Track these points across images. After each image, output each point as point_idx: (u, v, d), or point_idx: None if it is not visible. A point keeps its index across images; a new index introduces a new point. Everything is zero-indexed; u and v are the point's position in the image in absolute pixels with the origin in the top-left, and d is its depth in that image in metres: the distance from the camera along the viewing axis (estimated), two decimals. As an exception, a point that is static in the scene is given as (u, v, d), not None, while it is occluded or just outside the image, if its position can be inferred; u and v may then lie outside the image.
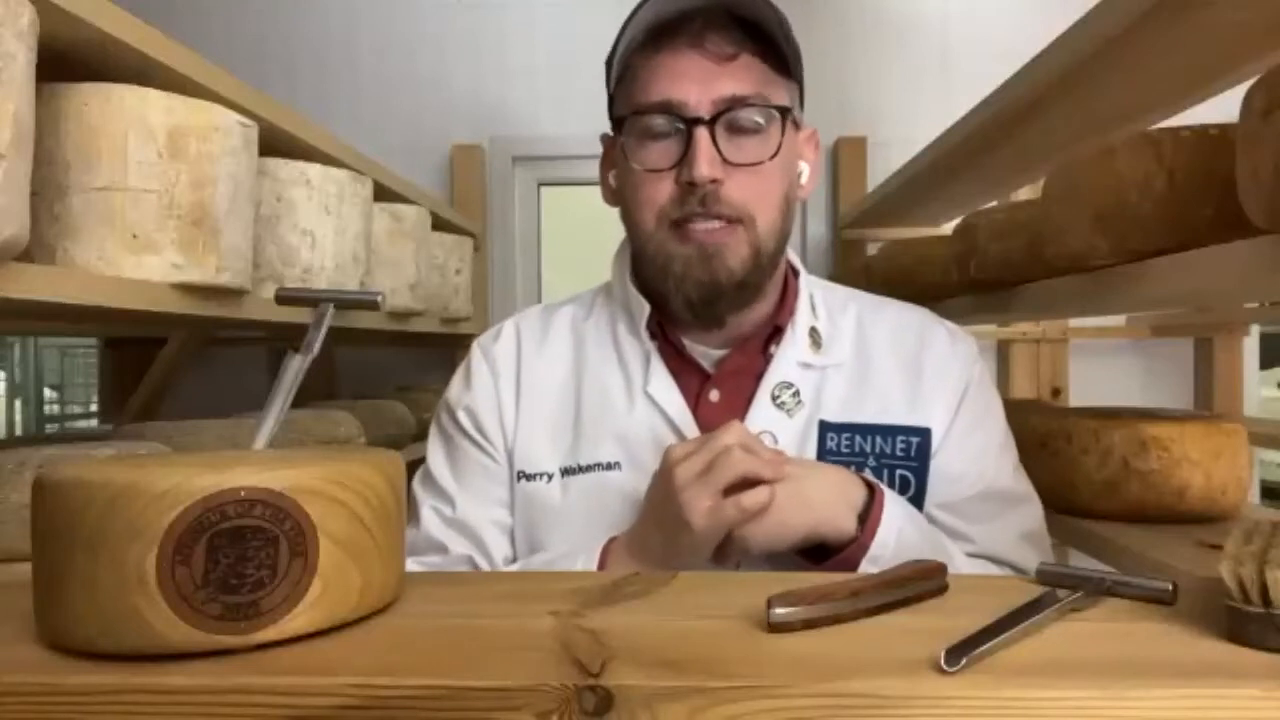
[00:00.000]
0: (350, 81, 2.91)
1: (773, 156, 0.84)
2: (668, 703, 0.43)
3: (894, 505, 0.80)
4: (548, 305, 1.01)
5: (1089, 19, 1.06)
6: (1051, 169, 1.12)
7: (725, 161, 0.82)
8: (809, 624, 0.52)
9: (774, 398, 0.88)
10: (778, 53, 0.85)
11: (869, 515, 0.79)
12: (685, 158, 0.82)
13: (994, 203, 2.11)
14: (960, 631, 0.47)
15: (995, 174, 1.86)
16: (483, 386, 0.94)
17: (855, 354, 0.92)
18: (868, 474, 0.85)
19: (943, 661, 0.44)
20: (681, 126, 0.82)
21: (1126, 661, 0.47)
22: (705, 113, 0.82)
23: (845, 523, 0.78)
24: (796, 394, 0.88)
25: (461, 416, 0.93)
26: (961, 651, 0.45)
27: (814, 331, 0.92)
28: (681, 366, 0.91)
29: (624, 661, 0.46)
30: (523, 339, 0.96)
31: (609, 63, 0.89)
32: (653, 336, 0.92)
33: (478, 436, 0.92)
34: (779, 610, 0.51)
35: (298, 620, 0.50)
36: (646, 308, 0.90)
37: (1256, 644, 0.48)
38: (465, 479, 0.92)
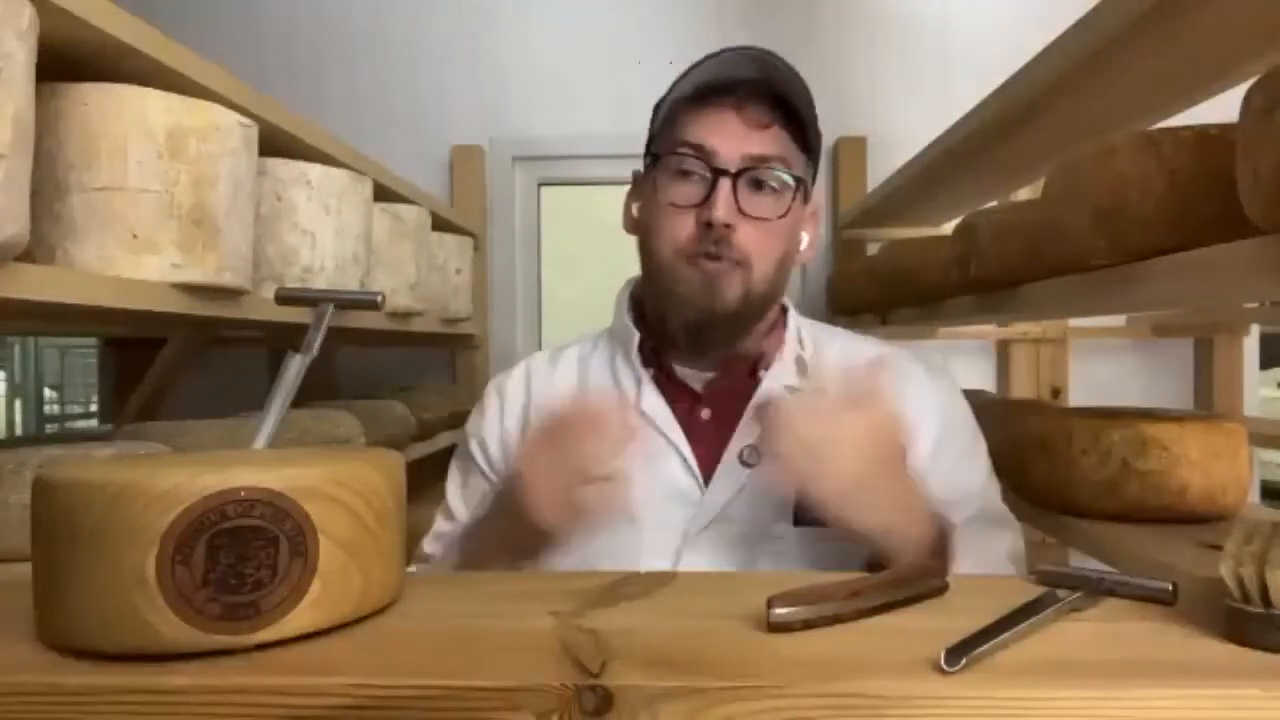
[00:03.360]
0: (350, 82, 2.91)
1: (781, 217, 0.93)
2: (668, 703, 0.43)
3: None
4: (556, 347, 1.10)
5: (1089, 19, 1.06)
6: (1051, 169, 1.12)
7: (740, 211, 0.90)
8: (809, 624, 0.52)
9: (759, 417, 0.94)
10: (803, 131, 0.95)
11: (943, 548, 0.81)
12: (708, 200, 0.90)
13: (994, 203, 2.11)
14: (960, 631, 0.48)
15: (995, 174, 1.86)
16: (492, 417, 1.04)
17: (839, 382, 0.96)
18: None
19: (943, 661, 0.44)
20: (708, 173, 0.91)
21: (1126, 661, 0.47)
22: (732, 165, 0.90)
23: (916, 546, 0.80)
24: None
25: (473, 446, 1.03)
26: (961, 651, 0.45)
27: (800, 360, 0.99)
28: (674, 391, 0.98)
29: (624, 661, 0.46)
30: (532, 374, 1.06)
31: (657, 108, 0.98)
32: (647, 364, 0.99)
33: (484, 465, 1.02)
34: (779, 610, 0.51)
35: (298, 620, 0.50)
36: (637, 336, 0.99)
37: (1256, 644, 0.48)
38: (471, 502, 1.02)
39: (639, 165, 1.03)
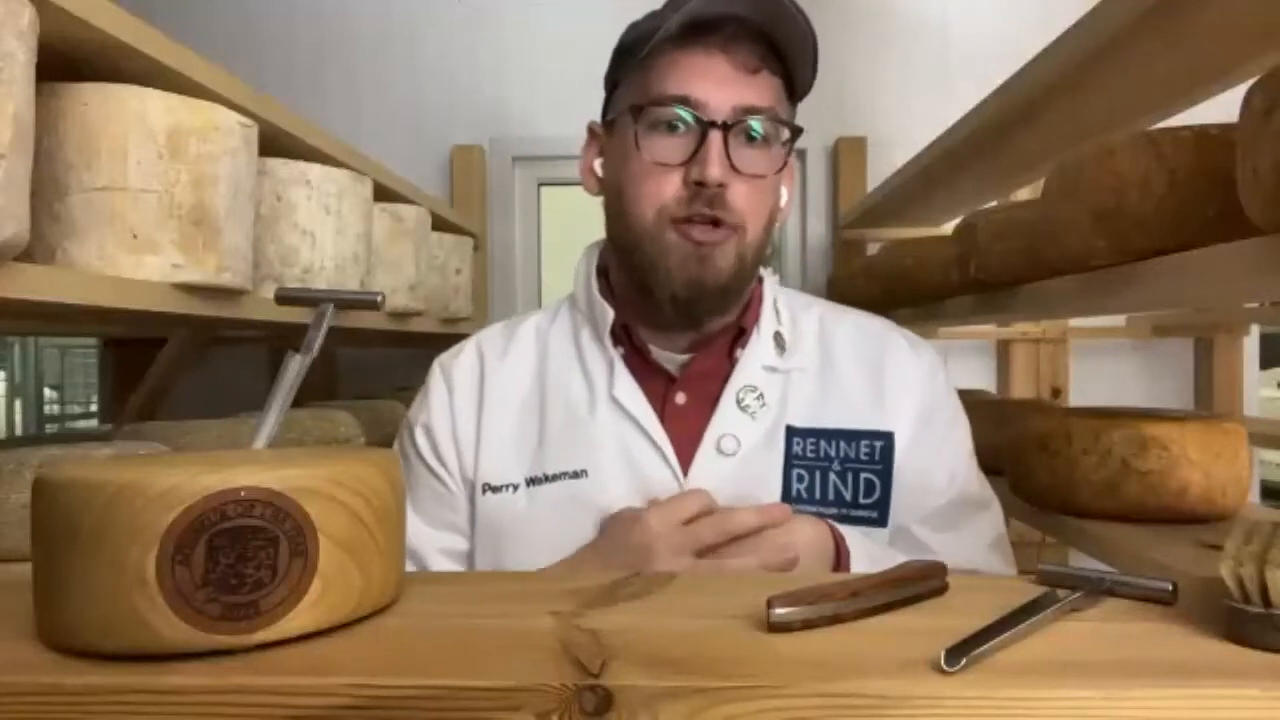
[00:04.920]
0: (350, 82, 2.91)
1: (776, 171, 0.86)
2: (668, 703, 0.43)
3: (859, 559, 0.81)
4: (511, 320, 1.01)
5: (1089, 19, 1.06)
6: (1051, 169, 1.12)
7: (733, 168, 0.83)
8: (809, 624, 0.52)
9: (739, 401, 0.88)
10: (791, 76, 0.87)
11: (838, 568, 0.80)
12: (696, 157, 0.82)
13: (994, 203, 2.11)
14: (960, 631, 0.47)
15: (995, 174, 1.86)
16: (439, 405, 0.93)
17: (819, 358, 0.93)
18: (833, 480, 0.86)
19: (943, 661, 0.44)
20: (697, 125, 0.82)
21: (1126, 661, 0.47)
22: (723, 117, 0.82)
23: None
24: (760, 397, 0.89)
25: (419, 436, 0.93)
26: (961, 651, 0.45)
27: (778, 335, 0.92)
28: (647, 372, 0.91)
29: (624, 661, 0.46)
30: (484, 354, 0.95)
31: (621, 50, 0.89)
32: (617, 343, 0.91)
33: (431, 460, 0.92)
34: (779, 610, 0.51)
35: (298, 620, 0.49)
36: (610, 314, 0.90)
37: (1256, 644, 0.48)
38: (417, 502, 0.92)
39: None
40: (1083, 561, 1.32)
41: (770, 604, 0.51)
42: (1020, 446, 1.27)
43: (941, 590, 0.60)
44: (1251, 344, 2.68)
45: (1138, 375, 2.78)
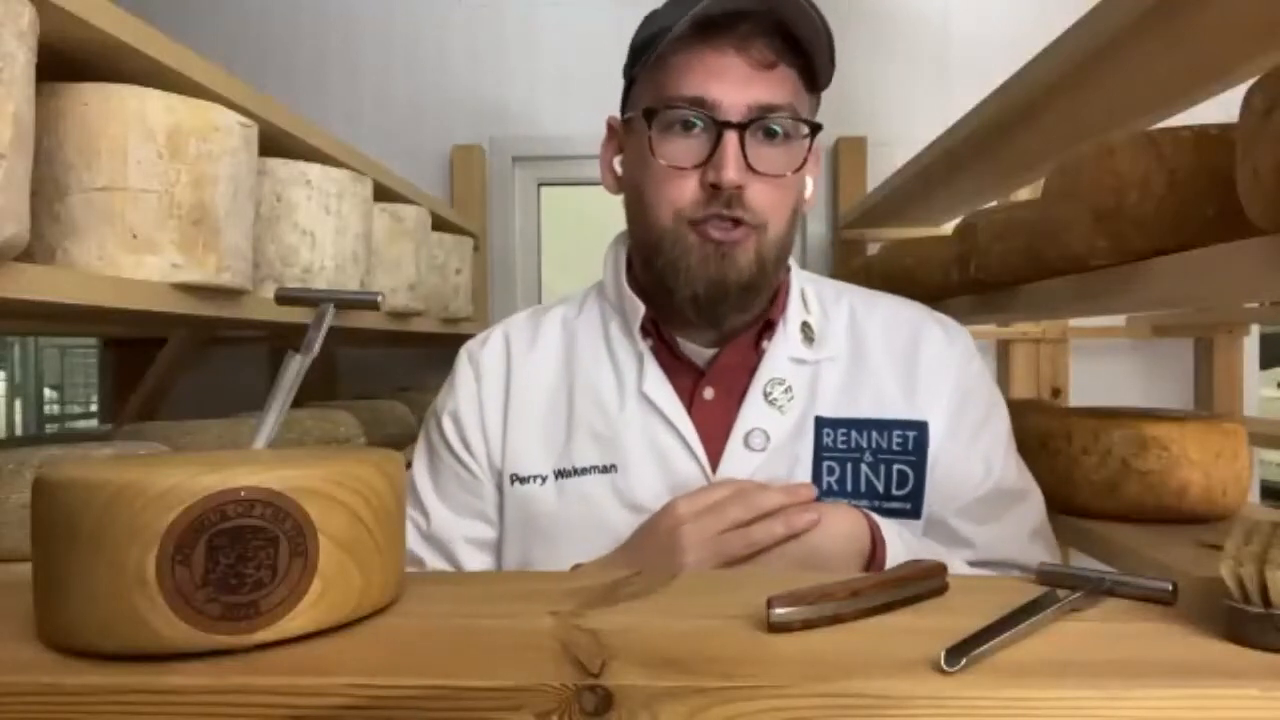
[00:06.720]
0: (350, 82, 2.91)
1: (796, 170, 0.85)
2: (668, 703, 0.43)
3: (893, 545, 0.79)
4: (537, 308, 1.00)
5: (1089, 19, 1.06)
6: (1051, 169, 1.12)
7: (750, 168, 0.82)
8: (809, 624, 0.52)
9: (766, 394, 0.88)
10: (810, 68, 0.85)
11: (872, 563, 0.78)
12: (712, 159, 0.82)
13: (994, 203, 2.11)
14: (960, 631, 0.47)
15: (995, 174, 1.86)
16: (466, 393, 0.93)
17: (850, 347, 0.92)
18: (864, 472, 0.85)
19: (943, 661, 0.44)
20: (712, 126, 0.82)
21: (1126, 661, 0.47)
22: (738, 116, 0.81)
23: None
24: (789, 389, 0.88)
25: (446, 423, 0.93)
26: (961, 651, 0.45)
27: (806, 326, 0.91)
28: (675, 365, 0.90)
29: (624, 661, 0.46)
30: (511, 342, 0.95)
31: (636, 47, 0.88)
32: (645, 335, 0.91)
33: (458, 446, 0.92)
34: (779, 610, 0.51)
35: (298, 620, 0.50)
36: (641, 308, 0.90)
37: (1256, 644, 0.48)
38: (443, 490, 0.92)
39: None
40: (1083, 561, 1.32)
41: (770, 604, 0.51)
42: (1020, 446, 1.27)
43: (941, 590, 0.60)
44: (1251, 344, 2.68)
45: (1138, 375, 2.78)
